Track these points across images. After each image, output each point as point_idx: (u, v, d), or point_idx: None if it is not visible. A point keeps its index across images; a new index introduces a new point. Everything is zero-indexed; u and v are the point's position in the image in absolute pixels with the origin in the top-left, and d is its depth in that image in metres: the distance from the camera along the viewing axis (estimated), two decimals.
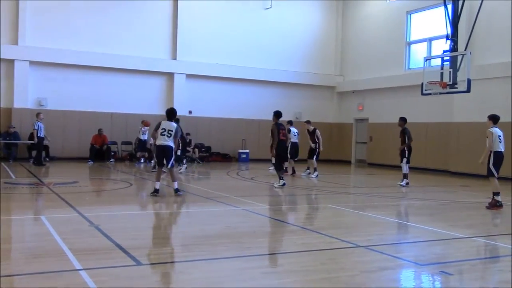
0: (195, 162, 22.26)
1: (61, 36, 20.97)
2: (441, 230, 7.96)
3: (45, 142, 19.21)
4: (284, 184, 13.33)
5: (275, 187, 13.25)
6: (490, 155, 10.25)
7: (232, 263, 5.60)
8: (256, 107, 24.72)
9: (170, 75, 23.20)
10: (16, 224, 8.13)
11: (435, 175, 16.03)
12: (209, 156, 23.37)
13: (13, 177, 14.36)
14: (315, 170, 17.15)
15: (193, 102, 23.40)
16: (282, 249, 6.31)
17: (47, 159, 19.66)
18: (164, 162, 11.02)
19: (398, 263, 5.82)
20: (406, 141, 14.43)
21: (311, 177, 16.77)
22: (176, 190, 11.03)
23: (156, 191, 10.89)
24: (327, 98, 26.83)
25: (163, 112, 22.60)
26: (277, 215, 8.95)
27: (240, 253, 6.02)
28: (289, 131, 17.79)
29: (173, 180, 11.19)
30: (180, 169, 16.79)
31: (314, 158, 17.26)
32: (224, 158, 23.63)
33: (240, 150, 24.20)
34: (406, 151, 14.51)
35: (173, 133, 10.88)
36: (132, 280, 4.81)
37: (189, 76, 23.36)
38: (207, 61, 23.44)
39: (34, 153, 19.32)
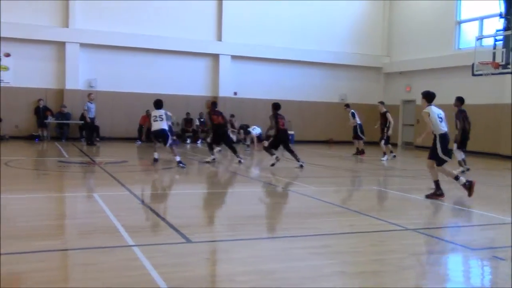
0: (241, 143, 22.39)
1: (110, 18, 21.37)
2: (493, 215, 7.77)
3: (96, 122, 19.84)
4: (276, 160, 13.15)
5: (271, 164, 13.05)
6: (435, 140, 8.73)
7: (279, 243, 5.65)
8: (301, 89, 24.60)
9: (215, 57, 23.32)
10: (70, 201, 8.45)
11: (484, 158, 15.59)
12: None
13: (66, 156, 14.87)
14: (384, 154, 16.55)
15: (238, 84, 23.48)
16: (329, 230, 6.31)
17: (98, 139, 20.20)
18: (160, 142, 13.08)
19: (448, 246, 5.73)
20: (458, 125, 13.29)
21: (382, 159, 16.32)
22: (179, 162, 12.54)
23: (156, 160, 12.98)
24: (374, 79, 26.38)
25: (209, 94, 23.11)
26: (323, 196, 8.93)
27: (287, 233, 6.06)
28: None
29: (175, 155, 12.77)
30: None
31: (382, 142, 16.54)
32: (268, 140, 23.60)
33: None
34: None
35: (164, 117, 12.90)
36: (182, 257, 4.93)
37: (234, 57, 23.41)
38: (253, 42, 23.40)
39: (85, 133, 19.89)
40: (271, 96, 23.94)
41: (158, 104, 13.24)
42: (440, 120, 8.80)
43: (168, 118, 13.14)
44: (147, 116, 21.19)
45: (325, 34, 24.78)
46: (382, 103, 17.50)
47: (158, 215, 6.84)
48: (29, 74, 20.49)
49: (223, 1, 23.06)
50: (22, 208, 7.25)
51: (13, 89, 20.31)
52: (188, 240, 5.48)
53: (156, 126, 12.88)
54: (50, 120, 20.44)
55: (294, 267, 4.71)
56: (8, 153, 15.32)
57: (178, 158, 12.66)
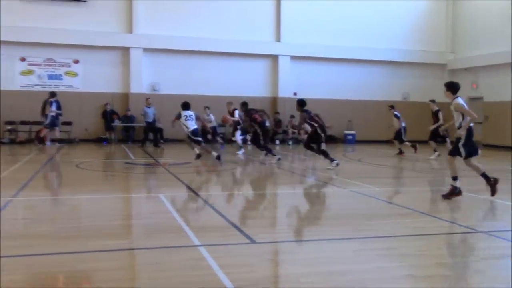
0: (301, 143, 22.30)
1: (171, 23, 21.87)
2: None
3: (158, 125, 20.42)
4: (337, 164, 12.60)
5: (329, 168, 12.48)
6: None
7: (344, 245, 5.58)
8: (363, 88, 24.21)
9: (274, 58, 23.37)
10: (137, 201, 8.71)
11: None
12: None
13: (132, 157, 15.34)
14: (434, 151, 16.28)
15: (298, 84, 23.40)
16: (393, 232, 6.17)
17: (162, 141, 20.68)
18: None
19: None
20: None
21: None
22: (198, 156, 13.51)
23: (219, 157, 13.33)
24: (437, 76, 25.52)
25: (268, 95, 23.22)
26: (386, 197, 8.76)
27: (352, 235, 5.98)
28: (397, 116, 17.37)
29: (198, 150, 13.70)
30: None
31: (448, 141, 16.06)
32: (329, 140, 23.40)
33: (346, 132, 23.88)
34: None
35: (194, 117, 13.70)
36: (246, 257, 4.97)
37: (293, 57, 23.37)
38: (312, 42, 23.27)
39: (151, 135, 20.40)
40: (331, 96, 23.78)
41: (186, 105, 13.77)
42: None
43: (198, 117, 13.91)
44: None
45: (387, 31, 24.27)
46: (433, 101, 17.00)
47: (222, 215, 6.93)
48: (96, 79, 21.35)
49: (281, 2, 23.08)
50: (92, 208, 7.56)
51: (82, 94, 21.23)
52: (252, 241, 5.52)
53: (191, 125, 13.43)
54: (117, 123, 21.21)
55: (359, 269, 4.64)
56: (79, 155, 16.04)
57: (198, 151, 13.55)
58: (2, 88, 20.23)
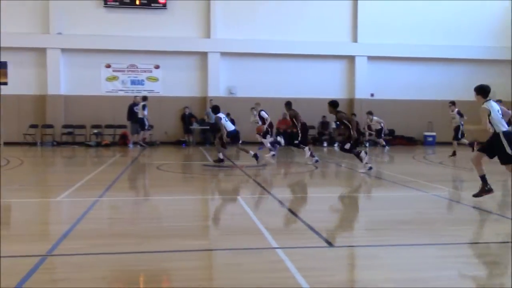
0: (378, 145, 21.81)
1: (247, 27, 22.15)
2: None
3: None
4: (371, 168, 12.11)
5: (362, 172, 12.02)
6: (499, 138, 7.79)
7: (426, 251, 5.38)
8: (443, 87, 23.27)
9: (351, 58, 23.04)
10: (215, 203, 8.88)
11: None
12: (393, 140, 22.70)
13: (210, 160, 15.64)
14: None
15: (375, 85, 22.95)
16: (481, 239, 5.87)
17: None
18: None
19: None
20: None
21: None
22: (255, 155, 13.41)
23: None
24: None
25: (344, 96, 22.92)
26: (471, 201, 8.35)
27: (434, 241, 5.75)
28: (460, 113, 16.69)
29: (248, 152, 13.62)
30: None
31: None
32: (408, 142, 22.77)
33: (426, 133, 23.08)
34: None
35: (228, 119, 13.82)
36: (324, 261, 4.91)
37: (370, 58, 22.93)
38: (390, 42, 22.71)
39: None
40: (410, 96, 23.10)
41: (216, 108, 13.84)
42: (501, 116, 7.95)
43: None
44: (284, 119, 21.58)
45: (468, 29, 23.18)
46: (499, 101, 15.97)
47: (299, 218, 6.90)
48: (175, 83, 22.03)
49: (358, 1, 22.72)
50: (172, 209, 7.77)
51: (162, 98, 21.96)
52: (330, 244, 5.45)
53: (229, 126, 13.53)
54: (195, 126, 21.75)
55: (444, 276, 4.45)
56: (159, 157, 16.60)
57: (252, 153, 13.43)
58: (89, 94, 21.47)
